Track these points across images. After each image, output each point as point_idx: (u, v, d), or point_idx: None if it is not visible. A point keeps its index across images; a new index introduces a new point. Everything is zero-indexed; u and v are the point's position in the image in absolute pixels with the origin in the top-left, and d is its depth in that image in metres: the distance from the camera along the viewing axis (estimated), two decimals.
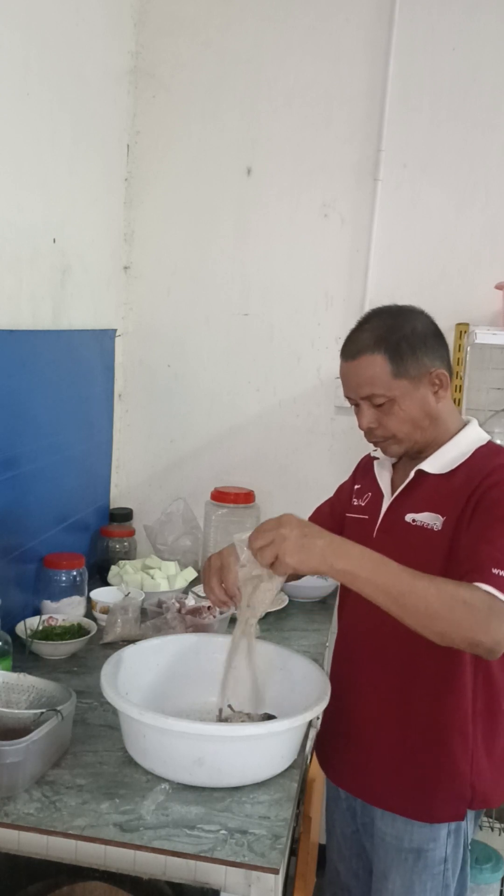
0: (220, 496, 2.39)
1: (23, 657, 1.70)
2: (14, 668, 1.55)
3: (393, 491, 1.51)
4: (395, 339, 1.40)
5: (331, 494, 1.75)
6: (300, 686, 1.46)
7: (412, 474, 1.45)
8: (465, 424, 1.48)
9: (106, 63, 2.22)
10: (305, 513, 1.76)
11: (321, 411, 2.43)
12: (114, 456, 2.54)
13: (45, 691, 1.44)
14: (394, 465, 1.55)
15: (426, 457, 1.45)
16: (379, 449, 1.52)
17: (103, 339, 2.38)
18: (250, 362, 2.46)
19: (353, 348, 1.43)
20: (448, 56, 2.25)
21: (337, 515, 1.67)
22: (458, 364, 2.28)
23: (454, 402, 2.24)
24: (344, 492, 1.70)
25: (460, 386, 2.24)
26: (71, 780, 1.32)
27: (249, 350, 2.46)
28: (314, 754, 1.65)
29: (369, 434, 1.46)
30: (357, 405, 1.45)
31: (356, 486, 1.63)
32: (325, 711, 1.52)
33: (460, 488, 1.38)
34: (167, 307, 2.49)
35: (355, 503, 1.61)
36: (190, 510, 2.43)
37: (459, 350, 2.28)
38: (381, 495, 1.52)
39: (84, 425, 2.26)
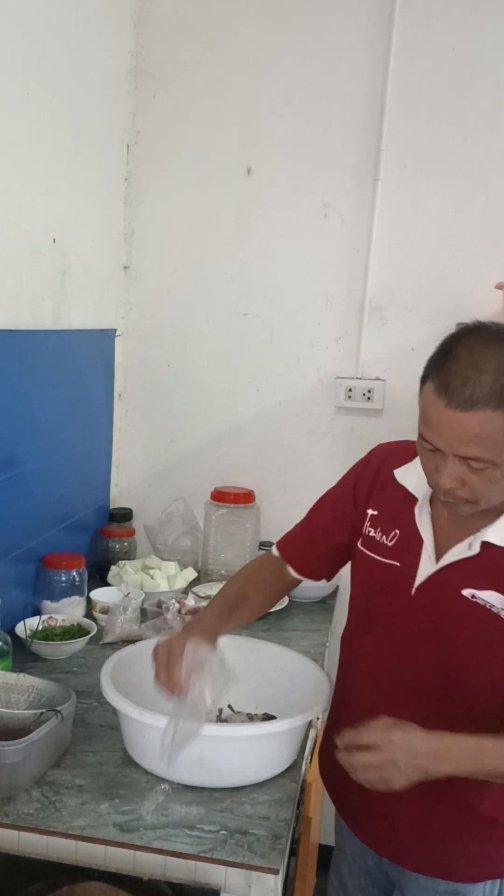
0: (220, 496, 2.39)
1: (23, 657, 1.70)
2: (14, 668, 1.56)
3: (438, 543, 1.28)
4: None
5: None
6: (300, 686, 1.47)
7: (477, 546, 1.23)
8: None
9: (106, 63, 2.21)
10: (304, 513, 1.76)
11: (321, 411, 2.43)
12: (114, 456, 2.54)
13: (45, 691, 1.44)
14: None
15: (488, 519, 1.23)
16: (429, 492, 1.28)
17: (103, 339, 2.38)
18: (250, 362, 2.46)
19: (467, 395, 1.09)
20: (448, 56, 2.25)
21: (319, 540, 1.47)
22: None
23: None
24: (333, 511, 1.46)
25: None
26: (71, 780, 1.32)
27: (249, 350, 2.46)
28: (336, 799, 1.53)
29: (446, 493, 1.18)
30: (438, 451, 1.15)
31: (371, 512, 1.38)
32: (327, 730, 1.47)
33: None
34: (167, 307, 2.49)
35: (373, 535, 1.37)
36: (190, 510, 2.43)
37: None
38: (419, 541, 1.29)
39: (84, 425, 2.26)
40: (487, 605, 1.22)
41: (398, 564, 1.31)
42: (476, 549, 1.23)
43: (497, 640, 1.22)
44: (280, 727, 1.30)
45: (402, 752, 1.11)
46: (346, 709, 1.42)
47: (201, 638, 1.32)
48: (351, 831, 1.46)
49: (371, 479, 1.40)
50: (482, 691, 1.25)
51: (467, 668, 1.25)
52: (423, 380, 1.16)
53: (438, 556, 1.28)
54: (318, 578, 1.52)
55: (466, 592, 1.23)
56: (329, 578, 1.52)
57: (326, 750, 1.45)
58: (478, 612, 1.22)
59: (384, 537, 1.35)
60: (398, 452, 1.39)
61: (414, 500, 1.31)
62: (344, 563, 1.49)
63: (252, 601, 1.48)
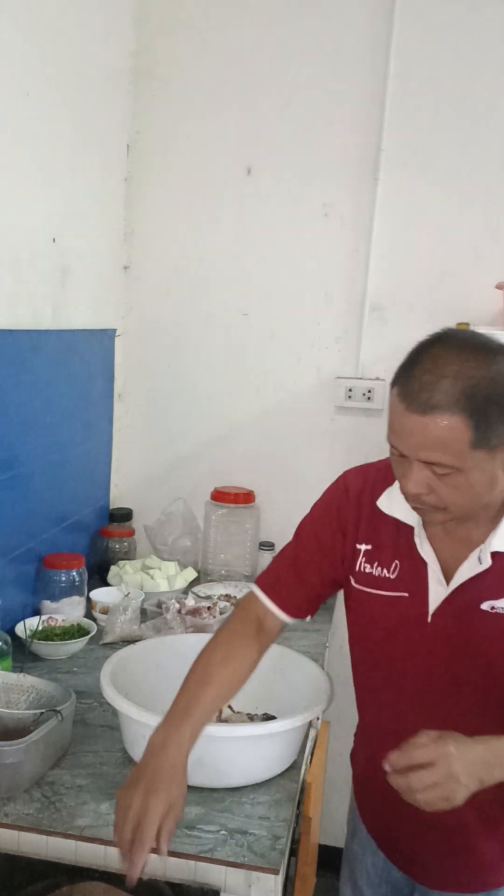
0: (220, 496, 2.39)
1: (23, 657, 1.70)
2: (14, 669, 1.56)
3: (442, 565, 1.25)
4: (484, 398, 1.07)
5: None
6: (300, 686, 1.47)
7: (487, 558, 1.20)
8: None
9: (106, 63, 2.21)
10: (304, 513, 1.75)
11: (321, 411, 2.43)
12: (114, 456, 2.54)
13: (44, 691, 1.44)
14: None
15: (485, 528, 1.22)
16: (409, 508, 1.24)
17: (103, 339, 2.38)
18: (250, 362, 2.46)
19: (425, 399, 1.08)
20: (448, 56, 2.25)
21: (308, 578, 1.38)
22: None
23: None
24: (334, 551, 1.36)
25: None
26: (71, 780, 1.32)
27: (249, 350, 2.46)
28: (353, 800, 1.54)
29: (413, 499, 1.17)
30: (405, 457, 1.14)
31: (364, 547, 1.33)
32: (363, 755, 1.46)
33: None
34: (167, 307, 2.49)
35: (370, 571, 1.32)
36: (190, 510, 2.43)
37: None
38: (424, 566, 1.26)
39: (84, 425, 2.26)
40: None
41: (407, 595, 1.27)
42: (488, 562, 1.20)
43: None
44: (280, 727, 1.30)
45: (459, 762, 1.05)
46: (372, 737, 1.42)
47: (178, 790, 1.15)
48: (376, 846, 1.46)
49: (355, 512, 1.34)
50: None
51: (502, 678, 1.23)
52: (391, 386, 1.15)
53: (448, 578, 1.25)
54: (304, 617, 1.41)
55: (486, 606, 1.21)
56: (313, 615, 1.43)
57: (360, 776, 1.47)
58: (501, 622, 1.20)
59: (385, 571, 1.30)
60: (372, 479, 1.35)
61: (408, 527, 1.27)
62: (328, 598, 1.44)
63: (236, 674, 1.32)
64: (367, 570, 1.31)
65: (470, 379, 1.07)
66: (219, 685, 1.28)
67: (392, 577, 1.29)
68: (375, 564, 1.31)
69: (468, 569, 1.22)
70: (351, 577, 1.34)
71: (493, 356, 1.10)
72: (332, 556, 1.36)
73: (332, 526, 1.36)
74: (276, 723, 1.31)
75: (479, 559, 1.21)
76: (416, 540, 1.26)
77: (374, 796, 1.43)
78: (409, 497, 1.17)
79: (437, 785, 1.04)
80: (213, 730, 1.29)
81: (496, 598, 1.20)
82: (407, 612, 1.27)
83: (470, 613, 1.22)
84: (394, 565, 1.29)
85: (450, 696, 1.26)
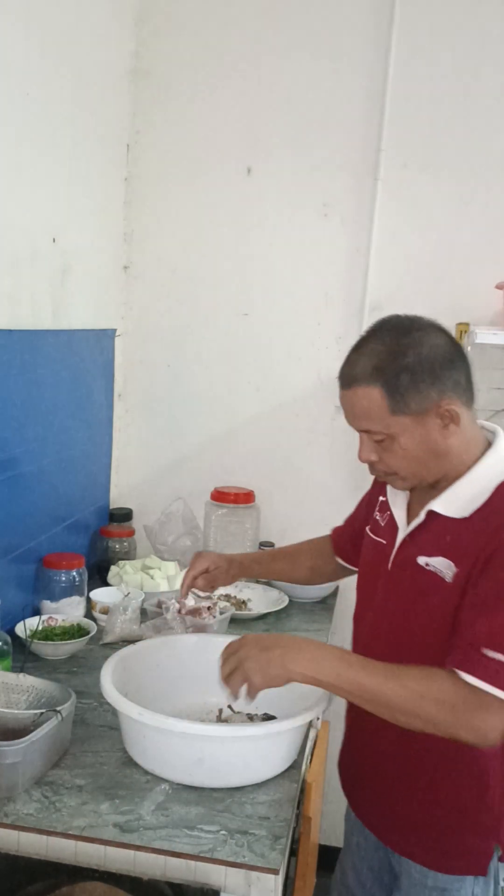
0: (220, 496, 2.39)
1: (23, 657, 1.70)
2: (14, 669, 1.55)
3: (409, 520, 1.37)
4: (394, 370, 1.22)
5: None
6: (300, 686, 1.46)
7: (423, 515, 1.31)
8: (485, 449, 1.30)
9: (106, 63, 2.21)
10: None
11: (321, 411, 2.43)
12: (114, 456, 2.54)
13: (44, 691, 1.44)
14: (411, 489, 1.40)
15: (439, 491, 1.30)
16: None
17: (103, 339, 2.38)
18: (250, 362, 2.46)
19: (348, 375, 1.27)
20: (448, 56, 2.25)
21: (357, 530, 1.57)
22: None
23: None
24: (365, 503, 1.59)
25: None
26: (71, 780, 1.32)
27: (249, 350, 2.46)
28: (340, 776, 1.57)
29: (370, 468, 1.33)
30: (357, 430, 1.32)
31: (382, 499, 1.46)
32: (347, 731, 1.50)
33: (476, 537, 1.23)
34: (167, 307, 2.49)
35: (377, 518, 1.46)
36: (190, 510, 2.43)
37: None
38: (396, 525, 1.40)
39: (84, 425, 2.26)
40: (438, 573, 1.27)
41: (384, 542, 1.41)
42: (422, 518, 1.31)
43: (445, 610, 1.25)
44: (280, 727, 1.30)
45: (249, 646, 1.23)
46: None
47: (220, 558, 1.63)
48: (361, 825, 1.49)
49: None
50: (432, 661, 1.24)
51: (422, 634, 1.29)
52: None
53: None
54: (343, 558, 1.66)
55: (422, 561, 1.30)
56: (348, 561, 1.64)
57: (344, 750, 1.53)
58: (430, 579, 1.28)
59: (381, 518, 1.45)
60: None
61: None
62: None
63: (296, 560, 1.69)
64: (377, 517, 1.47)
65: (381, 353, 1.24)
66: (293, 559, 1.70)
67: (382, 524, 1.44)
68: (381, 513, 1.46)
69: (414, 524, 1.34)
70: (368, 525, 1.50)
71: (408, 332, 1.25)
72: (368, 507, 1.55)
73: (376, 483, 1.57)
74: (276, 723, 1.31)
75: (419, 515, 1.33)
76: (389, 496, 1.42)
77: (345, 746, 1.53)
78: (368, 467, 1.34)
79: (233, 666, 1.23)
80: (213, 730, 1.29)
81: (430, 555, 1.29)
82: (381, 556, 1.40)
83: (412, 566, 1.32)
84: (386, 514, 1.43)
85: (389, 644, 1.34)
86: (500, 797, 1.32)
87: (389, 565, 1.37)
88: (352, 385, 1.27)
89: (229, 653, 1.26)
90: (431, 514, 1.30)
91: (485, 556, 1.20)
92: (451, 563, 1.25)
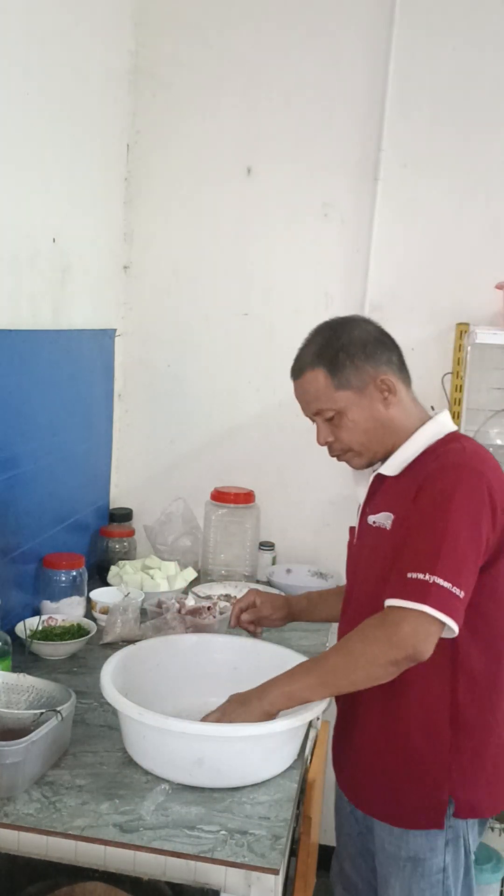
0: (220, 496, 2.38)
1: (23, 657, 1.70)
2: (14, 668, 1.55)
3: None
4: (332, 351, 1.42)
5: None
6: None
7: (370, 479, 1.48)
8: (424, 422, 1.45)
9: (106, 63, 2.21)
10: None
11: None
12: (114, 456, 2.54)
13: (44, 691, 1.44)
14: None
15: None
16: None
17: (103, 339, 2.38)
18: (250, 362, 2.46)
19: (296, 367, 1.47)
20: (448, 56, 2.25)
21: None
22: (458, 364, 2.28)
23: (454, 401, 2.24)
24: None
25: (460, 386, 2.24)
26: (71, 780, 1.32)
27: (249, 350, 2.45)
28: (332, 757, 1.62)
29: (330, 450, 1.48)
30: (314, 421, 1.48)
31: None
32: (338, 710, 1.54)
33: (408, 485, 1.38)
34: (167, 307, 2.49)
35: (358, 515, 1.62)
36: (190, 510, 2.43)
37: (459, 350, 2.28)
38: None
39: (84, 425, 2.26)
40: (381, 526, 1.42)
41: (355, 526, 1.55)
42: (370, 481, 1.48)
43: (388, 556, 1.35)
44: (280, 727, 1.30)
45: (231, 704, 1.34)
46: None
47: (269, 595, 1.69)
48: (347, 811, 1.57)
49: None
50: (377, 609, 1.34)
51: (382, 588, 1.33)
52: None
53: None
54: None
55: (370, 520, 1.46)
56: None
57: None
58: (376, 533, 1.43)
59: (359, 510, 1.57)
60: None
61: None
62: None
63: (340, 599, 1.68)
64: (358, 514, 1.58)
65: (319, 342, 1.45)
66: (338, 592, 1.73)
67: (357, 515, 1.57)
68: (359, 510, 1.58)
69: (367, 494, 1.49)
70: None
71: (340, 324, 1.47)
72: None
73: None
74: (276, 723, 1.31)
75: (370, 481, 1.49)
76: (354, 479, 1.55)
77: (336, 721, 1.58)
78: (328, 451, 1.49)
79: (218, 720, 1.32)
80: (213, 730, 1.29)
81: (375, 512, 1.44)
82: (352, 538, 1.55)
83: (364, 529, 1.48)
84: (359, 505, 1.56)
85: (361, 610, 1.40)
86: (448, 748, 1.37)
87: (356, 539, 1.53)
88: (300, 374, 1.46)
89: (215, 718, 1.33)
90: (378, 478, 1.46)
91: (412, 497, 1.34)
92: (390, 514, 1.40)
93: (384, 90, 2.27)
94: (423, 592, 1.24)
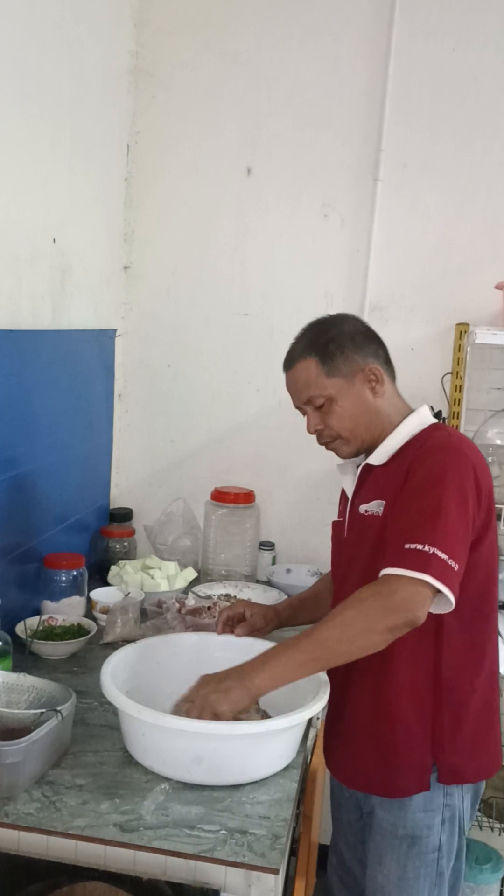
0: (220, 496, 2.39)
1: (23, 657, 1.70)
2: (14, 668, 1.55)
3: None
4: (322, 342, 1.48)
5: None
6: (299, 685, 1.46)
7: (359, 470, 1.52)
8: (407, 415, 1.50)
9: (106, 63, 2.22)
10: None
11: None
12: (114, 456, 2.54)
13: (45, 691, 1.44)
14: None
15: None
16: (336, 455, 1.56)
17: (103, 339, 2.38)
18: (250, 362, 2.46)
19: (288, 359, 1.53)
20: (448, 56, 2.25)
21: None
22: (457, 364, 2.28)
23: (454, 401, 2.24)
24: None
25: (460, 386, 2.24)
26: (71, 780, 1.32)
27: (249, 350, 2.46)
28: (323, 747, 1.64)
29: (319, 437, 1.53)
30: (304, 413, 1.53)
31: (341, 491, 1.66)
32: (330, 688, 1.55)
33: (396, 470, 1.42)
34: (167, 307, 2.49)
35: (339, 510, 1.64)
36: (190, 510, 2.43)
37: (459, 350, 2.28)
38: (348, 497, 1.56)
39: (84, 425, 2.26)
40: (373, 514, 1.45)
41: (341, 520, 1.58)
42: (358, 472, 1.52)
43: (381, 542, 1.38)
44: (279, 725, 1.30)
45: (207, 685, 1.32)
46: None
47: (259, 606, 1.68)
48: (340, 798, 1.61)
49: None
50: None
51: (371, 571, 1.36)
52: None
53: None
54: None
55: (361, 510, 1.48)
56: None
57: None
58: (369, 521, 1.46)
59: (340, 507, 1.61)
60: None
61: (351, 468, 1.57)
62: None
63: (319, 600, 1.70)
64: (339, 510, 1.62)
65: (310, 336, 1.51)
66: (318, 598, 1.74)
67: (341, 509, 1.60)
68: (340, 505, 1.62)
69: (355, 485, 1.53)
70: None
71: (329, 319, 1.53)
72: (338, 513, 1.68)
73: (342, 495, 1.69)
74: (276, 721, 1.31)
75: (357, 472, 1.53)
76: (340, 471, 1.59)
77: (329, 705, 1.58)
78: (317, 439, 1.53)
79: (195, 708, 1.30)
80: (212, 727, 1.29)
81: (366, 501, 1.47)
82: (339, 532, 1.58)
83: (355, 519, 1.50)
84: (343, 501, 1.60)
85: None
86: (431, 711, 1.41)
87: (345, 532, 1.54)
88: (292, 364, 1.51)
89: (190, 698, 1.33)
90: (366, 469, 1.50)
91: (402, 479, 1.39)
92: (382, 501, 1.44)
93: (384, 90, 2.27)
94: (423, 562, 1.27)
